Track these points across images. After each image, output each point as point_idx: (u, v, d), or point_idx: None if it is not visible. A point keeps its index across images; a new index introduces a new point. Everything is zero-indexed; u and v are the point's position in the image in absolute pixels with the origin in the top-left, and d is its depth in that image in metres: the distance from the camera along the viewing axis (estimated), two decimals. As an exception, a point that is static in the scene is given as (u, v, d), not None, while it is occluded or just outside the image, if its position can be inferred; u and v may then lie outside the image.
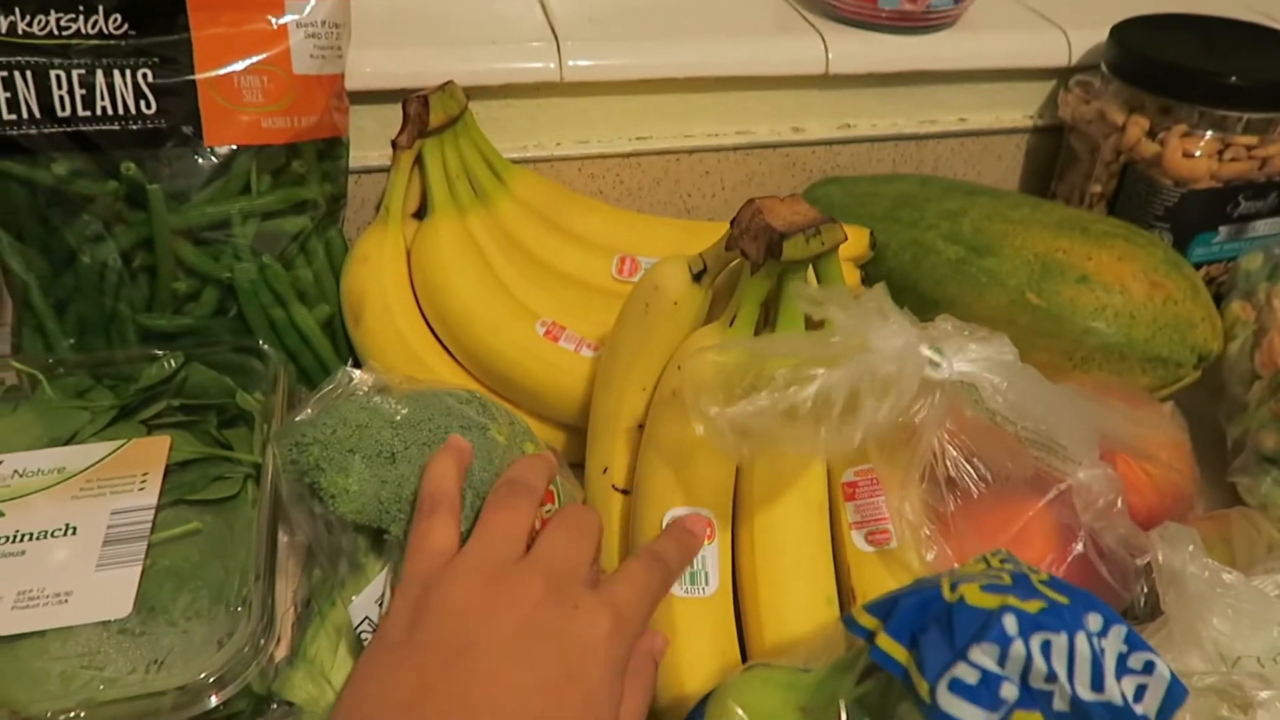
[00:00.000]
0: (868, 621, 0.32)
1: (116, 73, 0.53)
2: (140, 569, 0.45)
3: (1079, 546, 0.46)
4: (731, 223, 0.45)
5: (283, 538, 0.49)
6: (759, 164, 0.77)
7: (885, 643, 0.31)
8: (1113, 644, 0.30)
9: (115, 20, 0.52)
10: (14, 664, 0.42)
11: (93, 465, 0.50)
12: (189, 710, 0.40)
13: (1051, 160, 0.81)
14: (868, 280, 0.67)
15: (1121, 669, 0.30)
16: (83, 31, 0.52)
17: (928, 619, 0.31)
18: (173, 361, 0.55)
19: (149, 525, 0.47)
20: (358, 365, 0.58)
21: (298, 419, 0.47)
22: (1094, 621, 0.30)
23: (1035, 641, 0.29)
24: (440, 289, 0.59)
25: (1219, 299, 0.62)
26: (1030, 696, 0.29)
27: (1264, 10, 0.83)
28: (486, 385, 0.60)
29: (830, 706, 0.33)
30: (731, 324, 0.46)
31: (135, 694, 0.40)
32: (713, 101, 0.73)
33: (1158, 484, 0.51)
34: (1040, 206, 0.65)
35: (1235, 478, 0.57)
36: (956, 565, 0.42)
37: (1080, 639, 0.30)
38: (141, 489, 0.49)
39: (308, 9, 0.56)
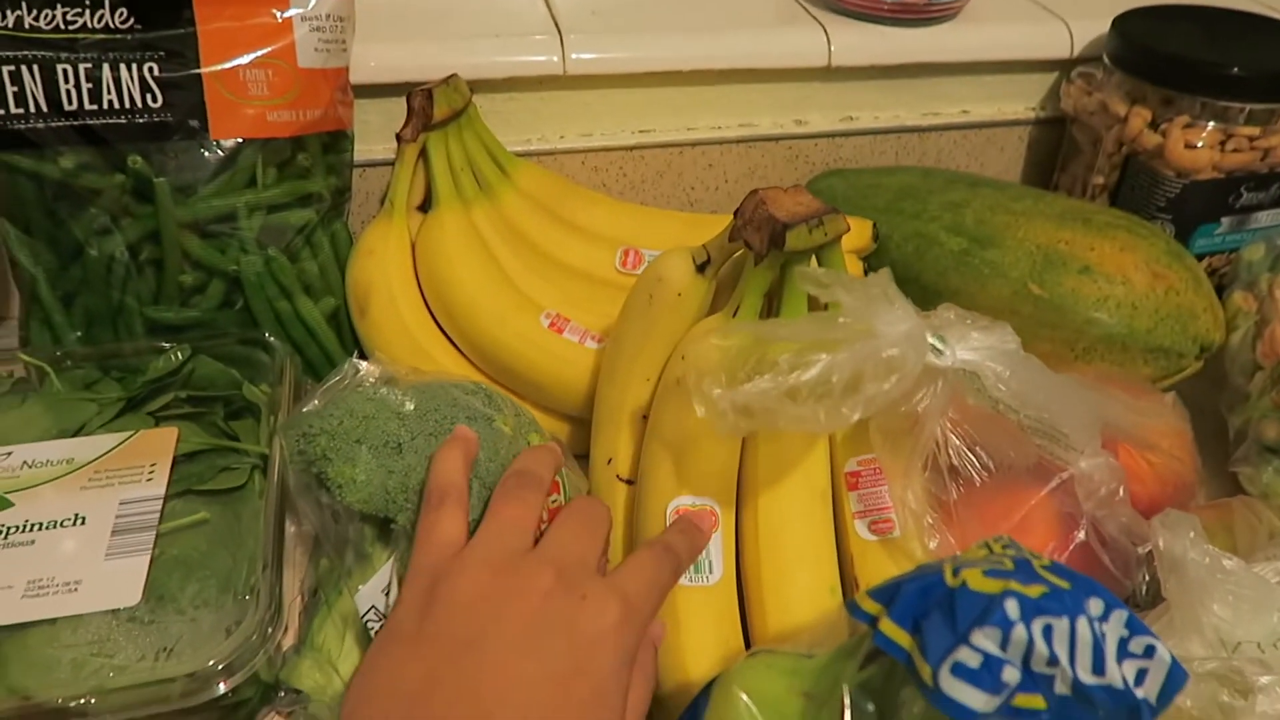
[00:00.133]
0: (871, 607, 0.33)
1: (123, 66, 0.53)
2: (149, 558, 0.45)
3: (1081, 535, 0.46)
4: (735, 214, 0.45)
5: (290, 528, 0.50)
6: (762, 156, 0.77)
7: (888, 627, 0.32)
8: (1114, 628, 0.30)
9: (121, 14, 0.52)
10: (24, 651, 0.42)
11: (101, 456, 0.50)
12: (198, 697, 0.40)
13: (1054, 152, 0.81)
14: (870, 272, 0.67)
15: (1122, 653, 0.30)
16: (89, 25, 0.52)
17: (930, 604, 0.31)
18: (180, 354, 0.56)
19: (157, 515, 0.47)
20: (363, 357, 0.58)
21: (304, 410, 0.47)
22: (1095, 606, 0.30)
23: (1037, 626, 0.29)
24: (445, 281, 0.59)
25: (1221, 290, 0.63)
26: (1032, 680, 0.29)
27: (1266, 1, 0.83)
28: (491, 377, 0.60)
29: (834, 691, 0.33)
30: (735, 315, 0.46)
31: (145, 681, 0.40)
32: (715, 94, 0.74)
33: (1159, 473, 0.51)
34: (1042, 198, 0.65)
35: (1237, 467, 0.58)
36: (959, 553, 0.42)
37: (1081, 623, 0.30)
38: (149, 480, 0.49)
39: (312, 3, 0.56)
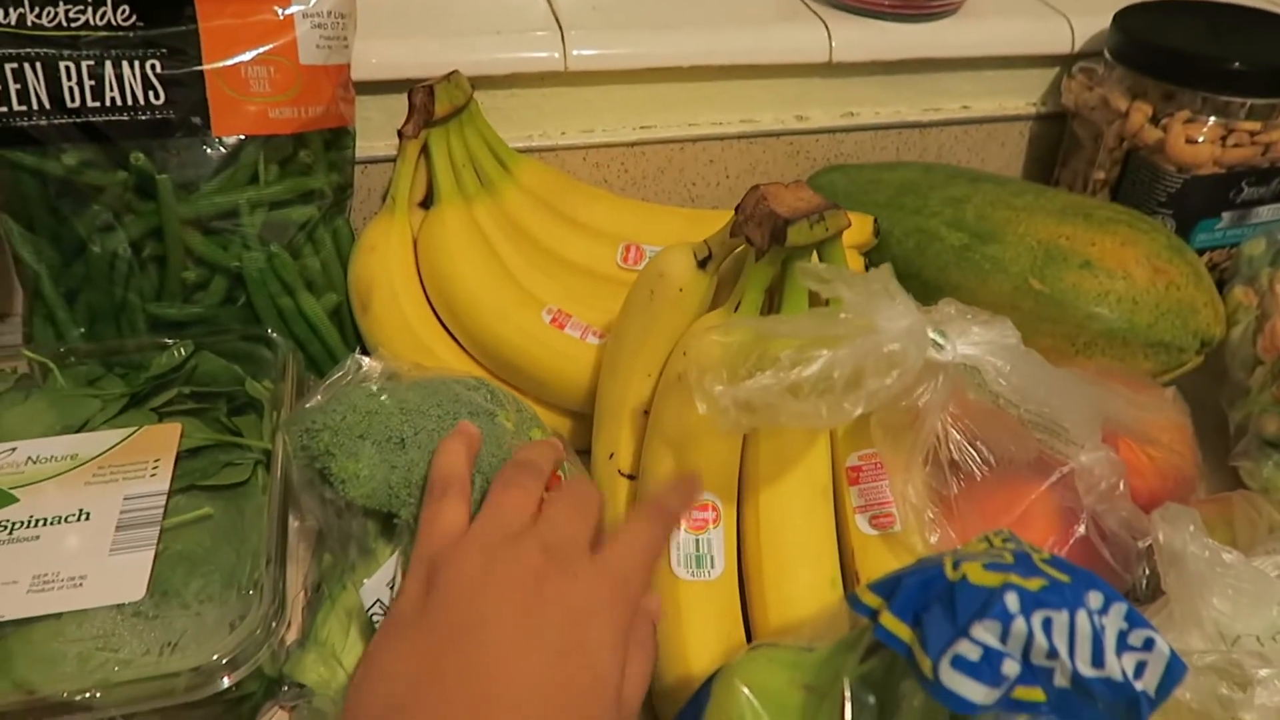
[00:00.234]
0: (871, 600, 0.33)
1: (125, 64, 0.53)
2: (153, 553, 0.46)
3: (1081, 529, 0.46)
4: (736, 209, 0.46)
5: (293, 523, 0.50)
6: (763, 152, 0.77)
7: (889, 621, 0.32)
8: (1113, 621, 0.30)
9: (123, 12, 0.53)
10: (30, 646, 0.42)
11: (105, 452, 0.50)
12: (202, 691, 0.41)
13: (1055, 147, 0.81)
14: (871, 268, 0.67)
15: (1122, 646, 0.30)
16: (91, 23, 0.52)
17: (930, 597, 0.31)
18: (182, 350, 0.56)
19: (161, 511, 0.48)
20: (365, 353, 0.58)
21: (308, 406, 0.48)
22: (1095, 599, 0.31)
23: (1037, 619, 0.30)
24: (447, 277, 0.59)
25: (1221, 285, 0.63)
26: (1032, 673, 0.30)
27: (1268, -4, 0.83)
28: (493, 373, 0.60)
29: (835, 684, 0.33)
30: (736, 310, 0.46)
31: (150, 675, 0.40)
32: (717, 90, 0.74)
33: (1160, 467, 0.51)
34: (1043, 193, 0.65)
35: (1237, 462, 0.58)
36: (959, 547, 0.42)
37: (1081, 616, 0.30)
38: (153, 475, 0.49)
39: (313, 0, 0.56)
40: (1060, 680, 0.30)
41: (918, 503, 0.45)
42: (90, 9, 0.52)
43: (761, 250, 0.45)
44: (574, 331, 0.58)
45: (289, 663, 0.45)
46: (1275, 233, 0.63)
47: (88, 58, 0.52)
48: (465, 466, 0.43)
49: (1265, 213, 0.70)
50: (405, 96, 0.61)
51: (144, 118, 0.54)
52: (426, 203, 0.63)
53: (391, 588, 0.43)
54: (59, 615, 0.43)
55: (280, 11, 0.55)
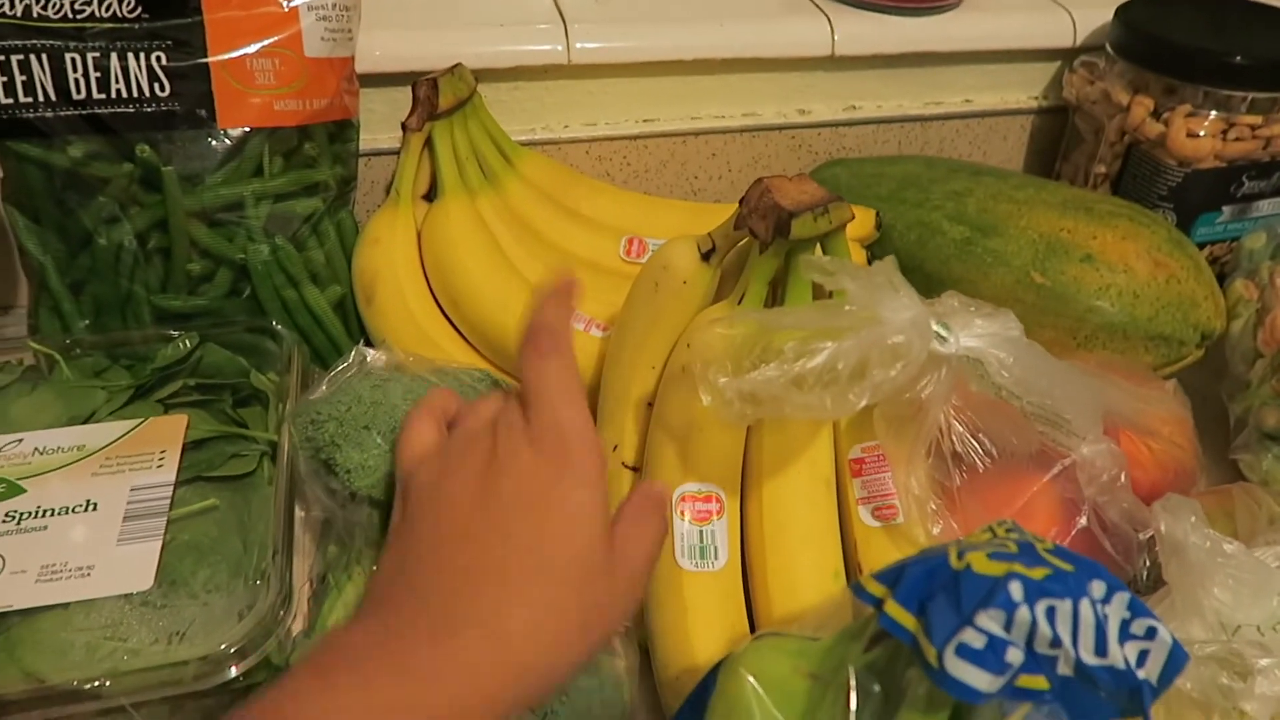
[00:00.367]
0: (876, 589, 0.33)
1: (130, 56, 0.53)
2: (160, 543, 0.46)
3: (1082, 520, 0.46)
4: (740, 202, 0.46)
5: (299, 513, 0.50)
6: (765, 146, 0.77)
7: (893, 610, 0.32)
8: (1116, 610, 0.31)
9: (128, 3, 0.53)
10: (38, 635, 0.43)
11: (112, 443, 0.50)
12: (210, 680, 0.41)
13: (1056, 141, 0.81)
14: (874, 261, 0.68)
15: (1124, 634, 0.30)
16: (97, 15, 0.52)
17: (935, 586, 0.31)
18: (188, 342, 0.56)
19: (168, 501, 0.48)
20: (369, 345, 0.58)
21: (313, 397, 0.48)
22: (1098, 588, 0.31)
23: (1040, 607, 0.30)
24: (451, 269, 0.59)
25: (1222, 278, 0.63)
26: (1035, 661, 0.30)
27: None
28: (496, 364, 0.60)
29: (839, 673, 0.33)
30: (740, 302, 0.46)
31: (158, 664, 0.41)
32: (719, 83, 0.74)
33: (1160, 460, 0.51)
34: (1045, 187, 0.65)
35: (1237, 455, 0.58)
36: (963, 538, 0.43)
37: (1084, 605, 0.30)
38: (160, 466, 0.49)
39: (318, -8, 0.57)
40: (1064, 668, 0.30)
41: (920, 494, 0.45)
42: (95, 1, 0.52)
43: (765, 243, 0.45)
44: (577, 324, 0.58)
45: (295, 652, 0.45)
46: (1276, 226, 0.64)
47: (93, 49, 0.53)
48: (449, 397, 0.43)
49: (1266, 206, 0.70)
50: (409, 89, 0.61)
51: (149, 110, 0.54)
52: (430, 195, 0.63)
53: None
54: (67, 605, 0.43)
55: (285, 4, 0.55)
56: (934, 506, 0.45)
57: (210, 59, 0.55)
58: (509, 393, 0.43)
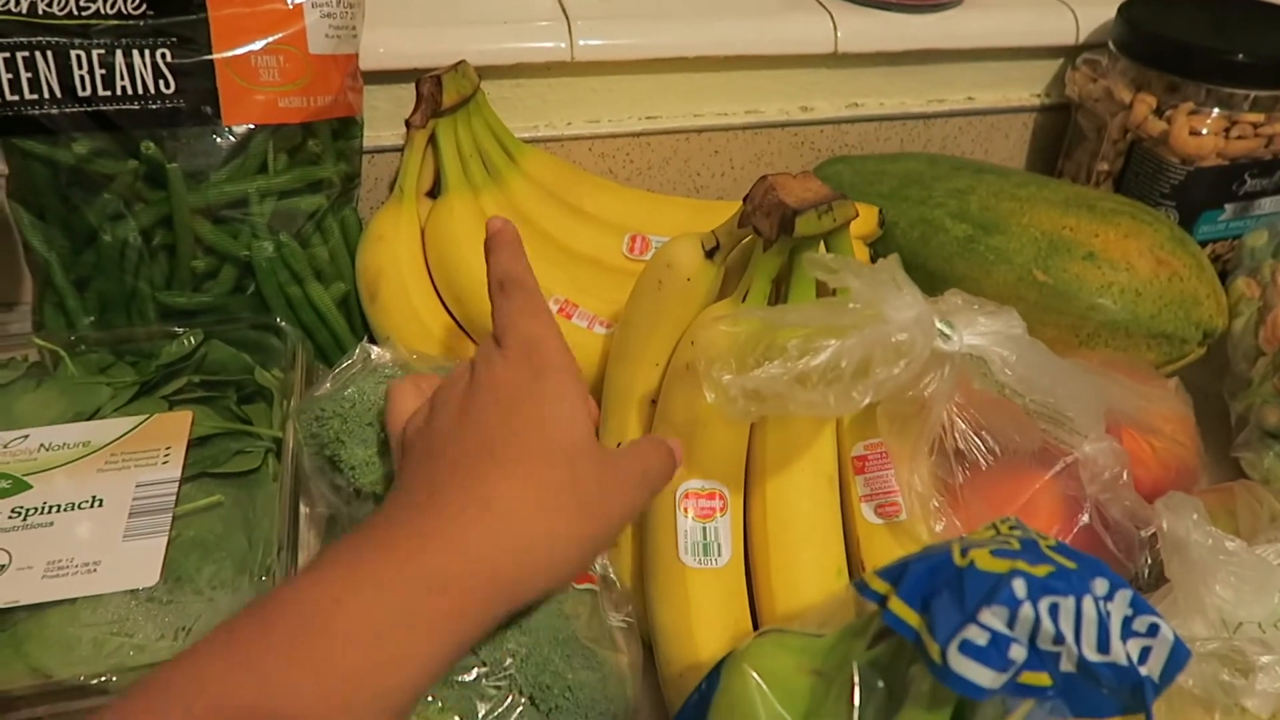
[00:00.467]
0: (879, 586, 0.33)
1: (135, 53, 0.53)
2: (166, 540, 0.46)
3: (1085, 518, 0.46)
4: (744, 199, 0.46)
5: (304, 510, 0.50)
6: (768, 143, 0.77)
7: (897, 606, 0.32)
8: (1118, 607, 0.31)
9: (134, 1, 0.53)
10: (45, 631, 0.43)
11: (117, 439, 0.51)
12: (216, 676, 0.41)
13: (1059, 138, 0.81)
14: (877, 259, 0.68)
15: (1127, 631, 0.31)
16: (102, 12, 0.52)
17: (939, 583, 0.32)
18: (192, 338, 0.56)
19: (173, 498, 0.48)
20: (373, 342, 0.59)
21: (317, 394, 0.48)
22: (1100, 585, 0.31)
23: (1043, 604, 0.30)
24: (454, 266, 0.60)
25: (1224, 276, 0.63)
26: (1038, 657, 0.30)
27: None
28: (500, 362, 0.60)
29: (843, 669, 0.34)
30: (744, 300, 0.47)
31: (164, 659, 0.40)
32: (722, 81, 0.74)
33: (1162, 457, 0.51)
34: (1047, 184, 0.65)
35: (1239, 453, 0.58)
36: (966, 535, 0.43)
37: (1087, 602, 0.30)
38: (165, 462, 0.49)
39: (322, -11, 0.57)
40: (1066, 665, 0.30)
41: (923, 492, 0.45)
42: (100, -2, 0.53)
43: (769, 240, 0.45)
44: (581, 321, 0.58)
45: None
46: (1278, 224, 0.64)
47: (98, 47, 0.53)
48: (431, 376, 0.44)
49: (1268, 204, 0.70)
50: (413, 86, 0.61)
51: (154, 107, 0.54)
52: (434, 192, 0.63)
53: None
54: (74, 600, 0.44)
55: (289, 1, 0.56)
56: (937, 504, 0.45)
57: (215, 56, 0.55)
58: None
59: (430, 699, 0.37)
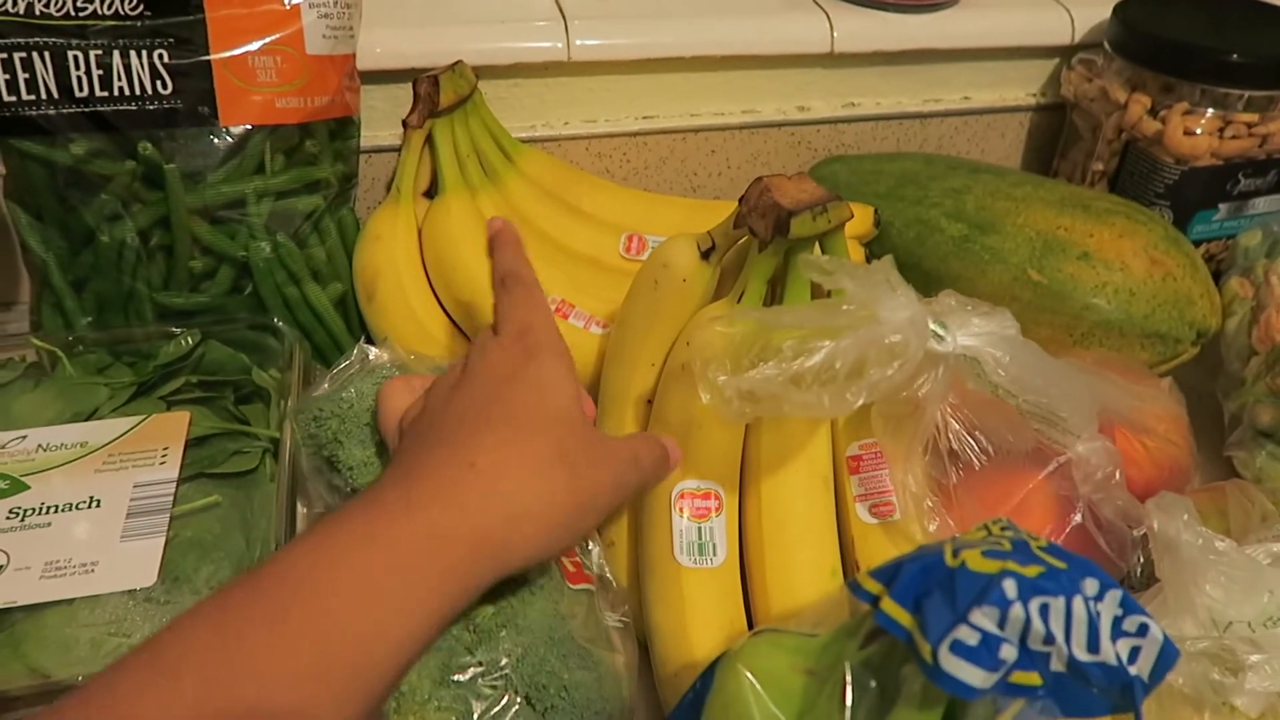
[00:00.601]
0: (872, 586, 0.33)
1: (133, 53, 0.53)
2: (164, 540, 0.46)
3: (1077, 517, 0.47)
4: (740, 200, 0.46)
5: (301, 510, 0.50)
6: (764, 143, 0.77)
7: (889, 607, 0.32)
8: (1108, 608, 0.31)
9: (131, 1, 0.53)
10: (43, 631, 0.43)
11: (114, 440, 0.51)
12: (214, 675, 0.41)
13: (1054, 138, 0.81)
14: (872, 259, 0.68)
15: (1116, 631, 0.31)
16: (99, 12, 0.53)
17: (930, 583, 0.32)
18: (190, 339, 0.56)
19: (171, 498, 0.48)
20: (370, 342, 0.59)
21: (315, 394, 0.48)
22: (1090, 586, 0.31)
23: (1034, 605, 0.30)
24: (452, 266, 0.60)
25: (1218, 276, 0.63)
26: (1029, 657, 0.30)
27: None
28: (497, 361, 0.61)
29: (835, 669, 0.34)
30: (739, 301, 0.47)
31: (162, 659, 0.41)
32: (719, 80, 0.74)
33: (1155, 457, 0.52)
34: (1042, 184, 0.65)
35: (1231, 452, 0.59)
36: (958, 535, 0.43)
37: (1077, 602, 0.31)
38: (163, 463, 0.50)
39: (319, -11, 0.57)
40: (1056, 665, 0.30)
41: (917, 491, 0.45)
42: (98, -1, 0.53)
43: (765, 241, 0.45)
44: (577, 321, 0.58)
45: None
46: (1271, 224, 0.64)
47: (95, 47, 0.53)
48: (424, 376, 0.45)
49: (1262, 204, 0.70)
50: (410, 86, 0.61)
51: (152, 107, 0.54)
52: (431, 192, 0.63)
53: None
54: (71, 601, 0.44)
55: (287, 1, 0.56)
56: (931, 504, 0.45)
57: (212, 56, 0.55)
58: None
59: (427, 698, 0.38)
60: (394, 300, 0.61)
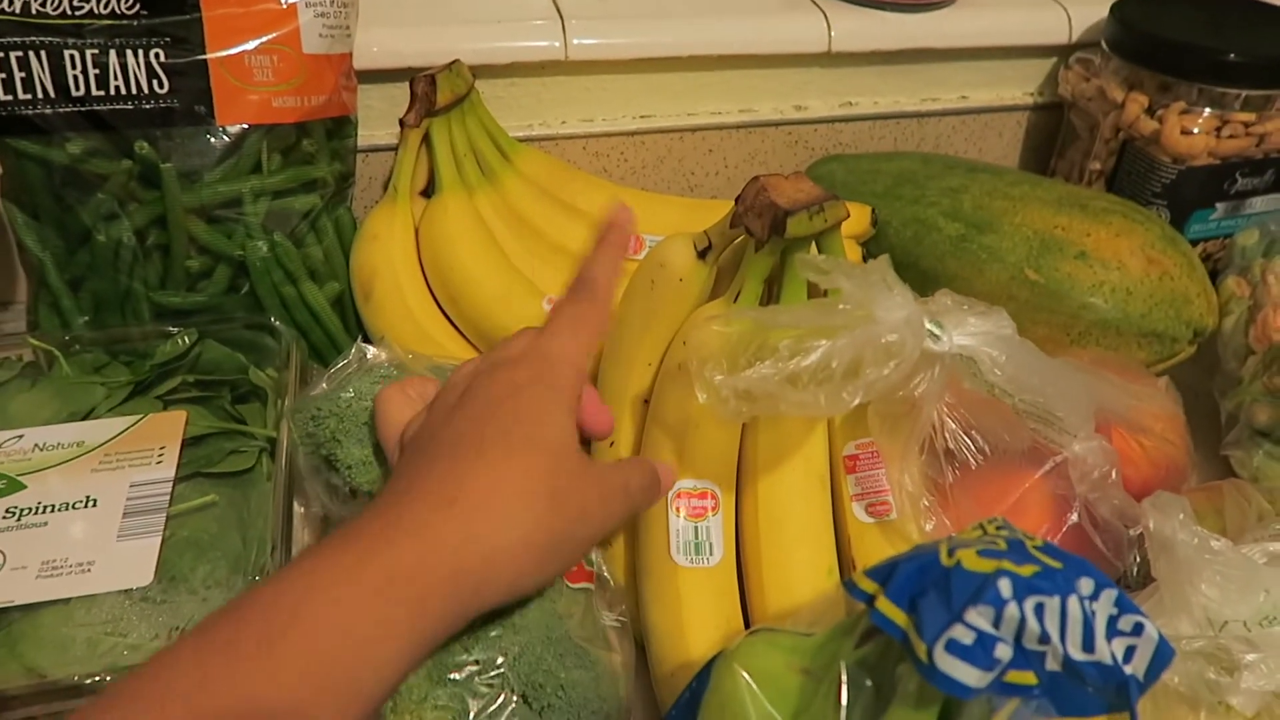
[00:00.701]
0: (868, 586, 0.33)
1: (129, 52, 0.53)
2: (160, 539, 0.46)
3: (1074, 517, 0.47)
4: (736, 200, 0.46)
5: (298, 509, 0.50)
6: (762, 142, 0.77)
7: (885, 606, 0.32)
8: (1103, 607, 0.31)
9: (127, 0, 0.53)
10: (39, 631, 0.43)
11: (111, 439, 0.51)
12: (210, 675, 0.41)
13: (1052, 137, 0.82)
14: (869, 258, 0.68)
15: (1112, 631, 0.31)
16: (95, 11, 0.52)
17: (926, 583, 0.32)
18: (186, 338, 0.56)
19: (167, 497, 0.48)
20: (367, 341, 0.59)
21: (313, 393, 0.48)
22: (1085, 585, 0.31)
23: (1029, 604, 0.30)
24: (448, 265, 0.60)
25: (1215, 275, 0.63)
26: (1024, 657, 0.30)
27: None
28: (494, 361, 0.61)
29: (831, 668, 0.34)
30: (736, 300, 0.47)
31: (157, 659, 0.41)
32: (716, 80, 0.74)
33: (1152, 456, 0.52)
34: (1040, 183, 0.65)
35: (1228, 451, 0.59)
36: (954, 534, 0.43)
37: (1072, 602, 0.31)
38: (159, 462, 0.50)
39: (316, -12, 0.57)
40: (1052, 664, 0.30)
41: (914, 491, 0.45)
42: (94, -2, 0.53)
43: (761, 241, 0.45)
44: (574, 320, 0.58)
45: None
46: (1268, 223, 0.64)
47: (92, 46, 0.53)
48: (426, 380, 0.44)
49: (1259, 203, 0.70)
50: (407, 86, 0.61)
51: (148, 106, 0.54)
52: (428, 191, 0.64)
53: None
54: (68, 600, 0.44)
55: (283, 0, 0.56)
56: (927, 503, 0.45)
57: (209, 56, 0.55)
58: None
59: (423, 696, 0.38)
60: (391, 299, 0.61)
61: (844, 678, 0.33)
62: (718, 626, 0.46)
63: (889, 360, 0.40)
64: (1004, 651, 0.30)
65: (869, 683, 0.33)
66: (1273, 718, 0.38)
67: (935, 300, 0.44)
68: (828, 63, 0.75)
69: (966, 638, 0.30)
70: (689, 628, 0.45)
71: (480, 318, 0.59)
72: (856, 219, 0.67)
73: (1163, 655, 0.31)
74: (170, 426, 0.52)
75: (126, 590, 0.44)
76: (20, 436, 0.51)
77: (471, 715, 0.38)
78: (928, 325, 0.42)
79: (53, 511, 0.47)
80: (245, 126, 0.56)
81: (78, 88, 0.53)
